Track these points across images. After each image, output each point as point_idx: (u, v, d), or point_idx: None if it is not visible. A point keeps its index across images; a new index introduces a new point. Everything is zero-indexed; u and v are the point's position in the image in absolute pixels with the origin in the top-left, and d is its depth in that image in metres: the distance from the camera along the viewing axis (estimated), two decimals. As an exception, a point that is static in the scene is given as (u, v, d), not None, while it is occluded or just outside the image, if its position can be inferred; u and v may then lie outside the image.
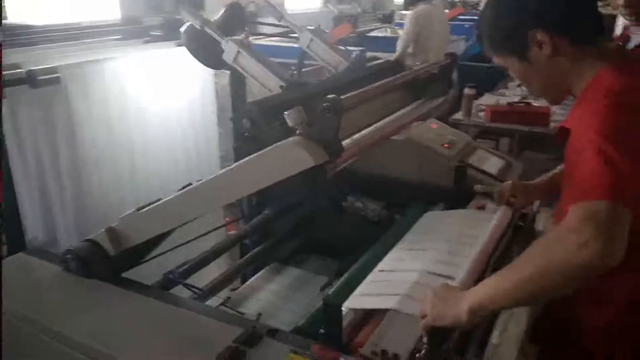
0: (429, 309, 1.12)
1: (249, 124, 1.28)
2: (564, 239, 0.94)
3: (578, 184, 1.01)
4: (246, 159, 1.24)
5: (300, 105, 1.20)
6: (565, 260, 0.94)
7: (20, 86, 1.67)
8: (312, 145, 1.18)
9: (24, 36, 2.09)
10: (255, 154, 1.23)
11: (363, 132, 1.42)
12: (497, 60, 1.29)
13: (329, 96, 1.17)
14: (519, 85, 4.46)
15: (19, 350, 1.30)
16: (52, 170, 1.85)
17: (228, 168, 1.31)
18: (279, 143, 1.20)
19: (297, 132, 1.20)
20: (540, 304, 1.38)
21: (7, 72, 1.61)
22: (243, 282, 2.04)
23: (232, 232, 2.22)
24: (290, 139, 1.20)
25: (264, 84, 1.69)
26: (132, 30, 2.33)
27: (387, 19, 6.55)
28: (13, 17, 3.21)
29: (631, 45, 1.92)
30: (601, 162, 0.98)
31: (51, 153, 1.84)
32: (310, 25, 2.23)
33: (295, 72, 2.25)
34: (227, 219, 2.26)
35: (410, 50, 4.96)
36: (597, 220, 0.92)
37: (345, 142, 1.29)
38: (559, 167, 1.54)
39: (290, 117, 1.19)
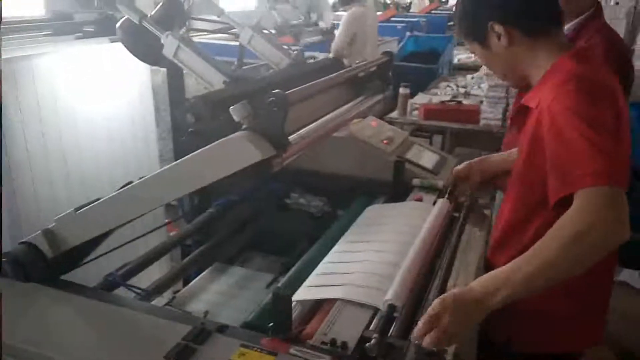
0: (453, 326, 1.05)
1: (193, 119, 1.27)
2: (595, 224, 1.02)
3: (576, 169, 1.09)
4: (192, 154, 1.23)
5: (245, 100, 1.21)
6: (601, 241, 1.03)
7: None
8: (259, 139, 1.19)
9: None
10: (201, 149, 1.21)
11: (308, 127, 1.44)
12: (468, 47, 1.45)
13: (274, 91, 1.18)
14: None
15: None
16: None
17: (173, 164, 1.28)
18: (225, 138, 1.19)
19: (243, 126, 1.20)
20: None
21: None
22: (185, 284, 2.00)
23: (173, 233, 2.18)
24: (237, 133, 1.20)
25: (206, 79, 1.66)
26: (63, 26, 2.24)
27: (329, 32, 6.67)
28: None
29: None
30: (596, 151, 1.08)
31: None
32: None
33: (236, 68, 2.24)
34: (167, 219, 2.22)
35: (346, 52, 4.99)
36: (615, 204, 1.04)
37: (290, 137, 1.30)
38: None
39: (236, 111, 1.19)
